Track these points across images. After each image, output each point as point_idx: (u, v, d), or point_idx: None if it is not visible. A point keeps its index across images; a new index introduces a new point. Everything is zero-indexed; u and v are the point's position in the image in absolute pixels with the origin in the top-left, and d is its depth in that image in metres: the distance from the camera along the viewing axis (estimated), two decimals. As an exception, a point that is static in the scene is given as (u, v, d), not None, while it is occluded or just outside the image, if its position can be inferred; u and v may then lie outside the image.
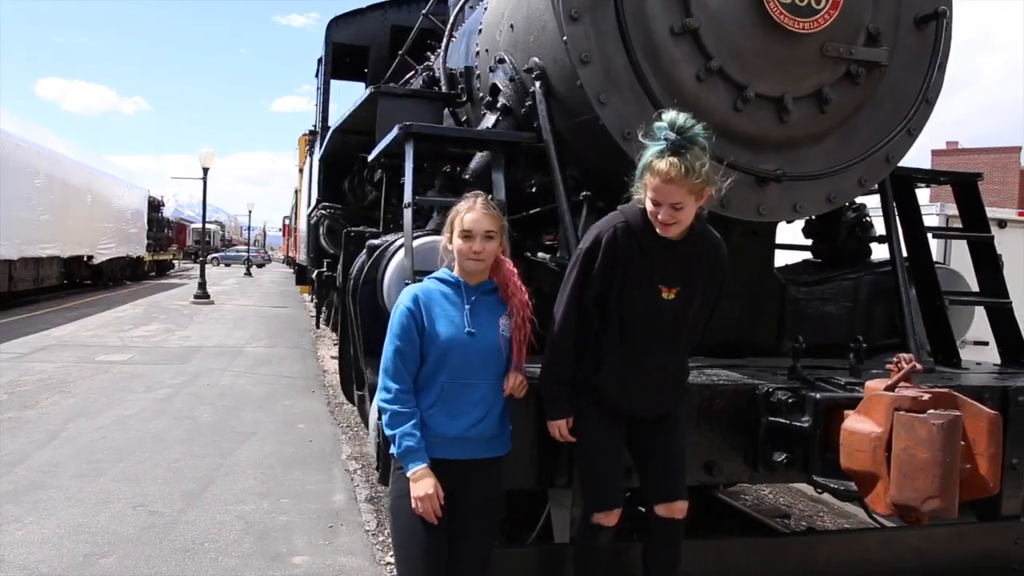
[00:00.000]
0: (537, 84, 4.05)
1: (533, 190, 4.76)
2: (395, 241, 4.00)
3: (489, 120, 4.46)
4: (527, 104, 4.20)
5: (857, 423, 2.85)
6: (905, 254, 4.41)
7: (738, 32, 3.65)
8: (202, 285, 22.41)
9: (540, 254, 4.53)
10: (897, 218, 4.46)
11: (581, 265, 2.84)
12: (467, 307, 2.88)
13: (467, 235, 2.84)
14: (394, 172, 5.15)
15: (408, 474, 2.75)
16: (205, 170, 23.11)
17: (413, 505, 2.72)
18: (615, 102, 3.69)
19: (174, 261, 48.25)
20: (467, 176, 4.39)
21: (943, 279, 4.49)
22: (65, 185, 22.03)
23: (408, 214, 3.69)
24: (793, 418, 3.20)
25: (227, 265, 55.97)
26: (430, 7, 7.09)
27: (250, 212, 54.76)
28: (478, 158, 4.44)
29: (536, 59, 4.06)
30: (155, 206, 39.67)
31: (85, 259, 24.88)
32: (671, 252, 2.79)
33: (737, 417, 3.33)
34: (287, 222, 41.45)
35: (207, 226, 32.27)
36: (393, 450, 2.79)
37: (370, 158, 4.97)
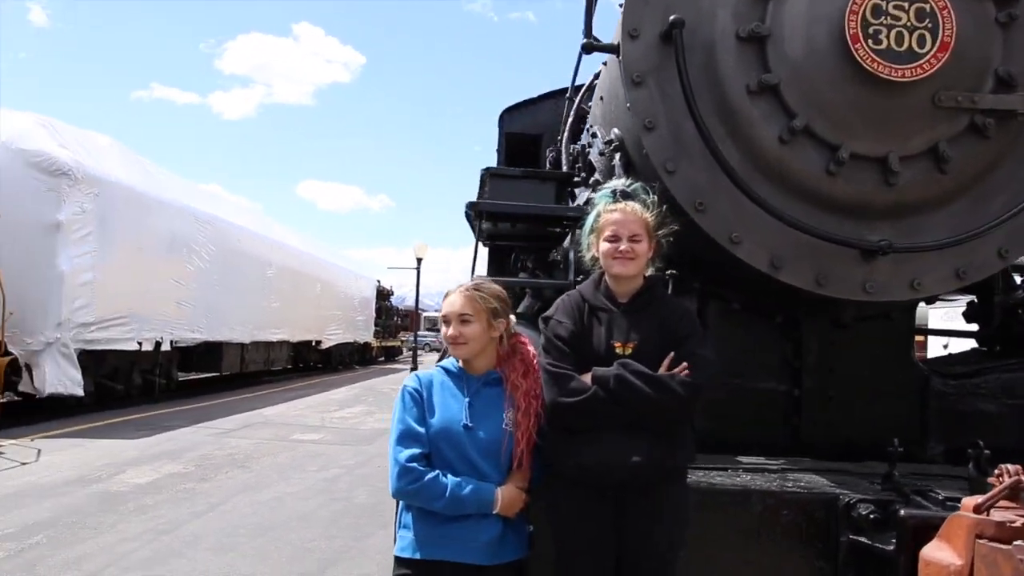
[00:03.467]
0: (617, 156, 3.80)
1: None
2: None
3: (582, 197, 4.26)
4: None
5: (936, 551, 2.25)
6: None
7: (825, 85, 3.21)
8: (414, 369, 23.43)
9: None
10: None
11: (545, 331, 2.75)
12: (467, 399, 2.68)
13: (444, 320, 2.71)
14: (539, 254, 5.01)
15: (496, 510, 2.56)
16: (418, 260, 24.49)
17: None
18: (685, 170, 3.35)
19: (403, 347, 50.92)
20: (557, 256, 4.20)
21: None
22: (296, 275, 24.10)
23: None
24: (877, 538, 2.62)
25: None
26: (571, 93, 7.02)
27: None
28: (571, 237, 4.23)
29: (616, 130, 3.83)
30: (384, 295, 42.33)
31: (313, 344, 26.91)
32: (621, 311, 2.72)
33: (813, 533, 2.77)
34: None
35: (433, 315, 33.92)
36: (451, 509, 2.55)
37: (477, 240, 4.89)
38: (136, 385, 15.73)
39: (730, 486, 2.82)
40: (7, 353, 11.79)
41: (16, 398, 13.49)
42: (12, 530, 6.11)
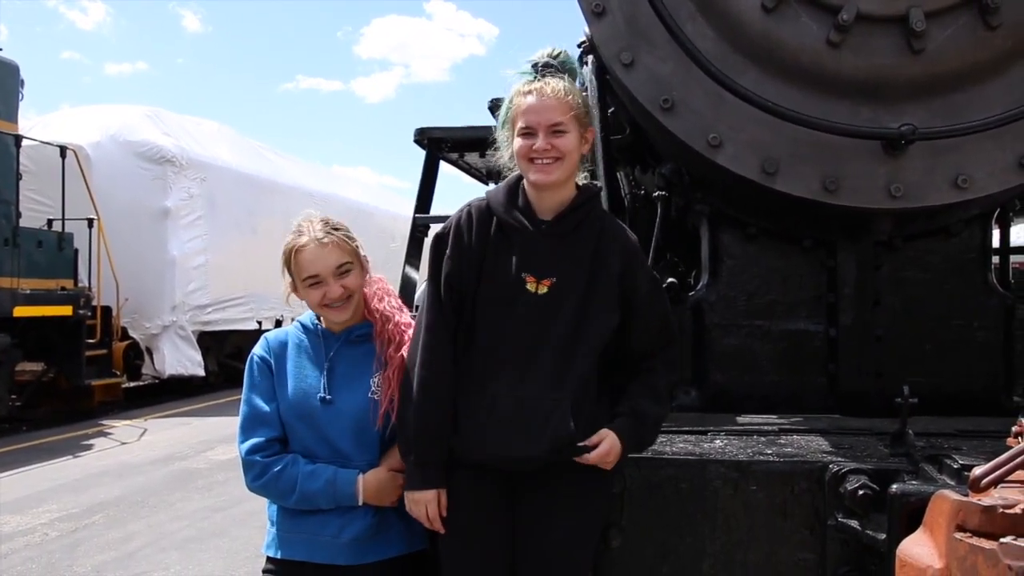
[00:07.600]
0: (589, 60, 3.16)
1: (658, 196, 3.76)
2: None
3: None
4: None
5: (915, 546, 1.56)
6: None
7: (815, -73, 2.45)
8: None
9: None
10: None
11: (431, 261, 2.08)
12: (326, 364, 2.16)
13: (314, 281, 2.12)
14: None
15: (360, 501, 2.08)
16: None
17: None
18: (646, 61, 2.67)
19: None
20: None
21: None
22: (421, 248, 24.24)
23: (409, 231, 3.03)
24: (867, 523, 1.92)
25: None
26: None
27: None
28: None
29: (586, 29, 3.17)
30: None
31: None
32: (541, 232, 2.03)
33: (794, 514, 2.09)
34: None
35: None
36: (300, 503, 2.10)
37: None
38: (262, 363, 16.13)
39: (683, 456, 2.17)
40: (126, 338, 12.30)
41: (154, 380, 14.10)
42: (76, 510, 6.17)
